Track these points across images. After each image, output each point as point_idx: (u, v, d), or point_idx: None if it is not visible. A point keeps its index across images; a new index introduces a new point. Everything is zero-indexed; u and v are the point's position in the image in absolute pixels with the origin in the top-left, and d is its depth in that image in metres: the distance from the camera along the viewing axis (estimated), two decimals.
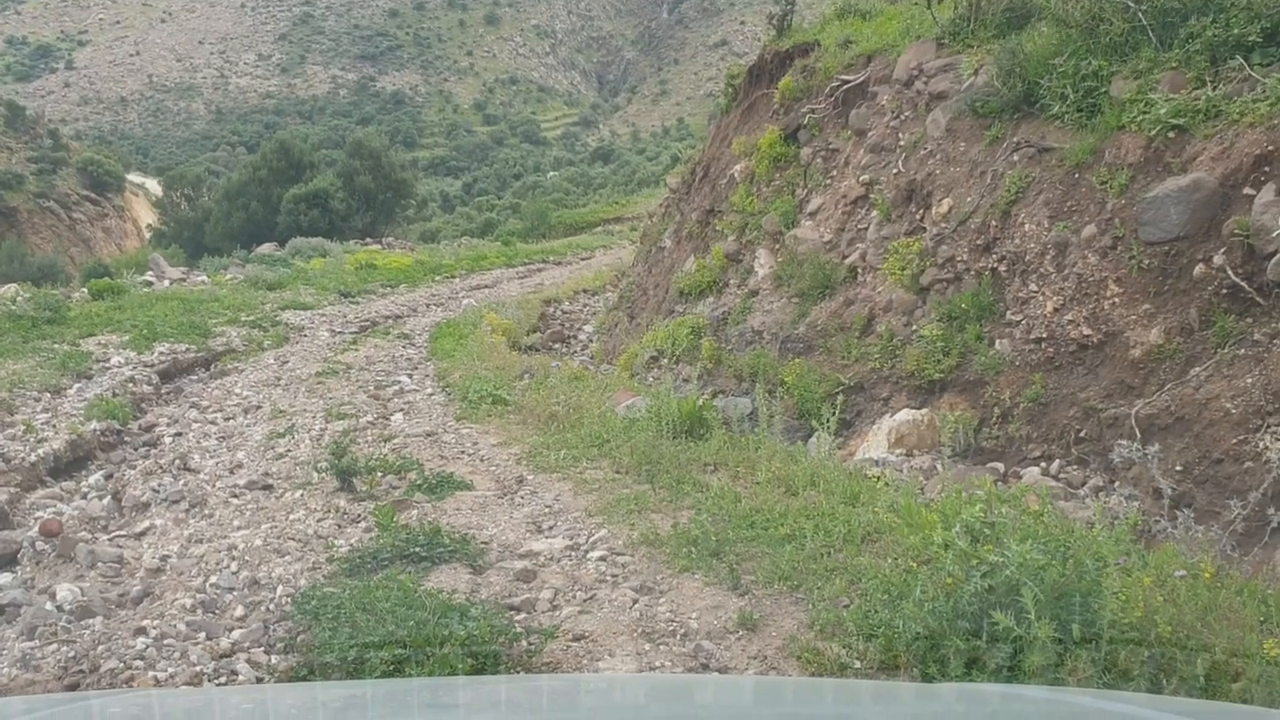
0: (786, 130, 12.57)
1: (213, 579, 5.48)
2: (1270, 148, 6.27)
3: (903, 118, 10.38)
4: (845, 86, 11.61)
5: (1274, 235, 5.99)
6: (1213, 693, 3.16)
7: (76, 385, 11.21)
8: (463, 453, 8.39)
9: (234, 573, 5.56)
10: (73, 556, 6.14)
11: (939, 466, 7.43)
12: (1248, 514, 5.15)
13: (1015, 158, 8.35)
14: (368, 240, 37.65)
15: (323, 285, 22.51)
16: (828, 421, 7.27)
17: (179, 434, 9.75)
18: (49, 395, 10.62)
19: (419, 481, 7.28)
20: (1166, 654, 3.31)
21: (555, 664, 4.18)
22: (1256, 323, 6.12)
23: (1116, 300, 7.03)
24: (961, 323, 8.39)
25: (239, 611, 5.04)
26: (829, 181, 11.51)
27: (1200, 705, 2.20)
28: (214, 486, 7.59)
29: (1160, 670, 3.27)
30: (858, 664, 3.91)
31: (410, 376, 12.76)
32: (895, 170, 10.07)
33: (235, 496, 7.27)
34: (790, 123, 12.55)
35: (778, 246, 11.80)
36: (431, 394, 11.49)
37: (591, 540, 5.77)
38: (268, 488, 7.46)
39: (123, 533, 6.75)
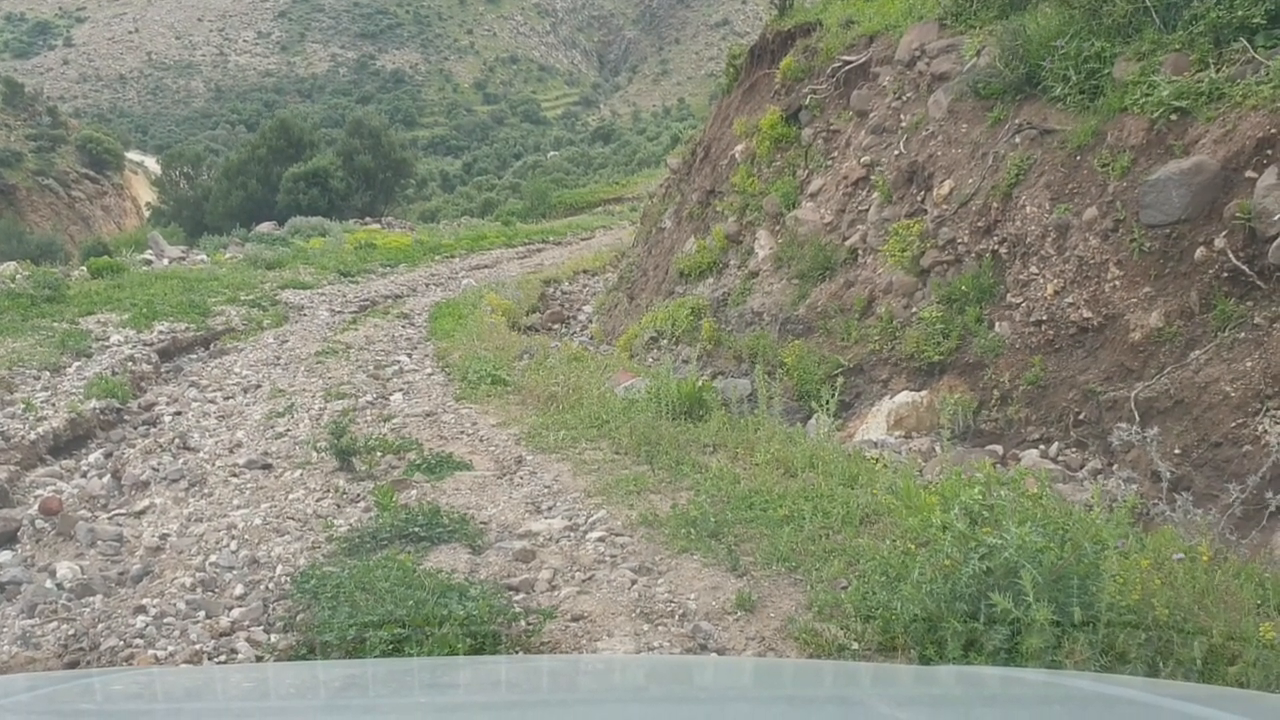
0: (788, 111, 12.52)
1: (212, 558, 5.49)
2: (1273, 131, 6.24)
3: (904, 99, 10.34)
4: (847, 67, 11.56)
5: (1275, 219, 5.97)
6: (1209, 676, 3.17)
7: (76, 364, 11.21)
8: (462, 433, 8.39)
9: (233, 552, 5.57)
10: (72, 535, 6.15)
11: (938, 448, 7.43)
12: (1246, 497, 5.15)
13: (1017, 139, 8.32)
14: (367, 219, 37.58)
15: (322, 264, 22.48)
16: (827, 403, 7.27)
17: (178, 413, 9.75)
18: (48, 373, 10.61)
19: (418, 461, 7.28)
20: (1164, 637, 3.31)
21: (554, 644, 4.19)
22: (1257, 306, 6.11)
23: (1117, 283, 7.02)
24: (961, 305, 8.38)
25: (238, 590, 5.05)
26: (830, 163, 11.47)
27: (1197, 689, 2.20)
28: (213, 465, 7.59)
29: (1158, 653, 3.28)
30: (855, 645, 3.92)
31: (409, 356, 12.75)
32: (896, 152, 10.03)
33: (235, 475, 7.28)
34: (791, 103, 12.50)
35: (778, 228, 11.77)
36: (431, 374, 11.49)
37: (590, 521, 5.78)
38: (267, 467, 7.46)
39: (122, 511, 6.76)
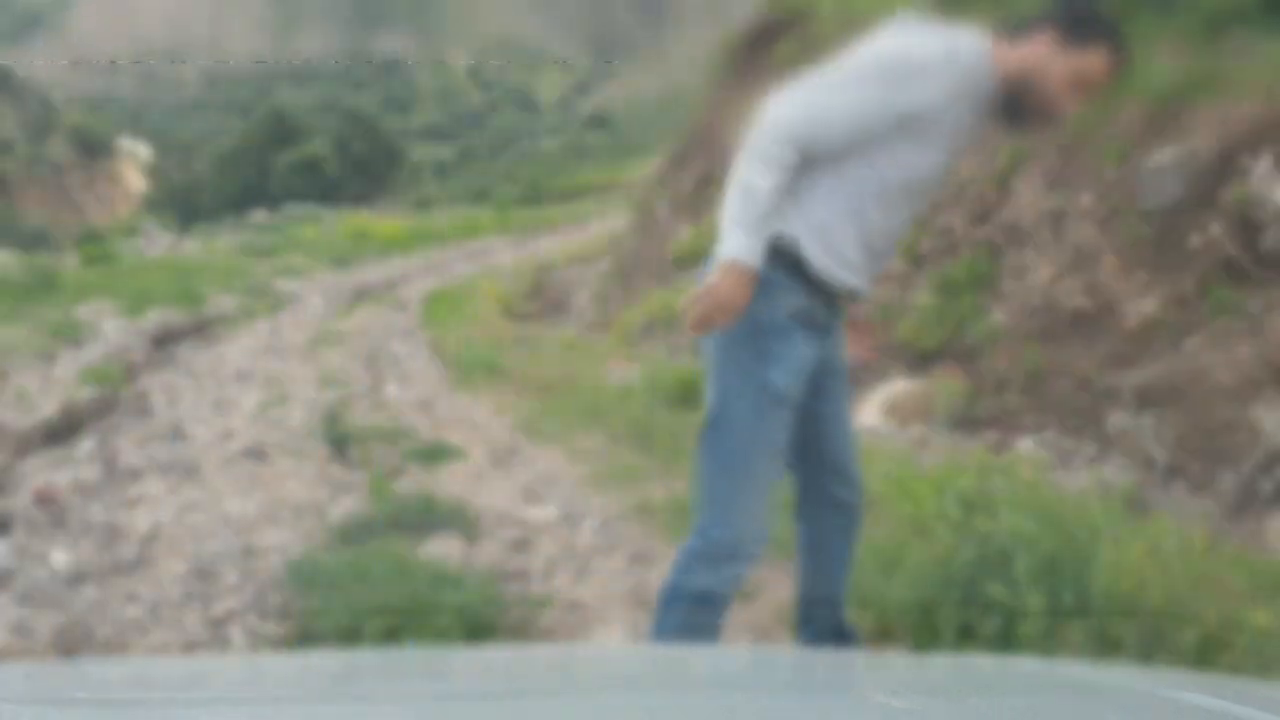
0: None
1: (206, 546, 5.48)
2: (1268, 118, 6.24)
3: None
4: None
5: (1270, 206, 5.98)
6: (1203, 663, 3.18)
7: (68, 352, 11.17)
8: (456, 421, 8.39)
9: (227, 540, 5.56)
10: (66, 523, 6.13)
11: (933, 436, 7.45)
12: (1240, 484, 5.17)
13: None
14: (361, 207, 37.51)
15: (315, 252, 22.45)
16: None
17: (172, 401, 9.74)
18: (41, 362, 10.58)
19: (412, 449, 7.27)
20: (1157, 624, 3.32)
21: (550, 632, 4.19)
22: (1252, 293, 6.12)
23: (1113, 270, 7.02)
24: (957, 292, 8.38)
25: (233, 579, 5.04)
26: None
27: (1191, 677, 2.21)
28: (207, 454, 7.58)
29: (1151, 641, 3.29)
30: None
31: (404, 344, 12.74)
32: None
33: (228, 464, 7.27)
34: None
35: None
36: (425, 362, 11.48)
37: (585, 509, 5.78)
38: (261, 455, 7.45)
39: (116, 499, 6.74)
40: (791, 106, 2.81)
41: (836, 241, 2.81)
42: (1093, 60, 2.78)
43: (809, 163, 2.75)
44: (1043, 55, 2.78)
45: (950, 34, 2.89)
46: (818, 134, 2.77)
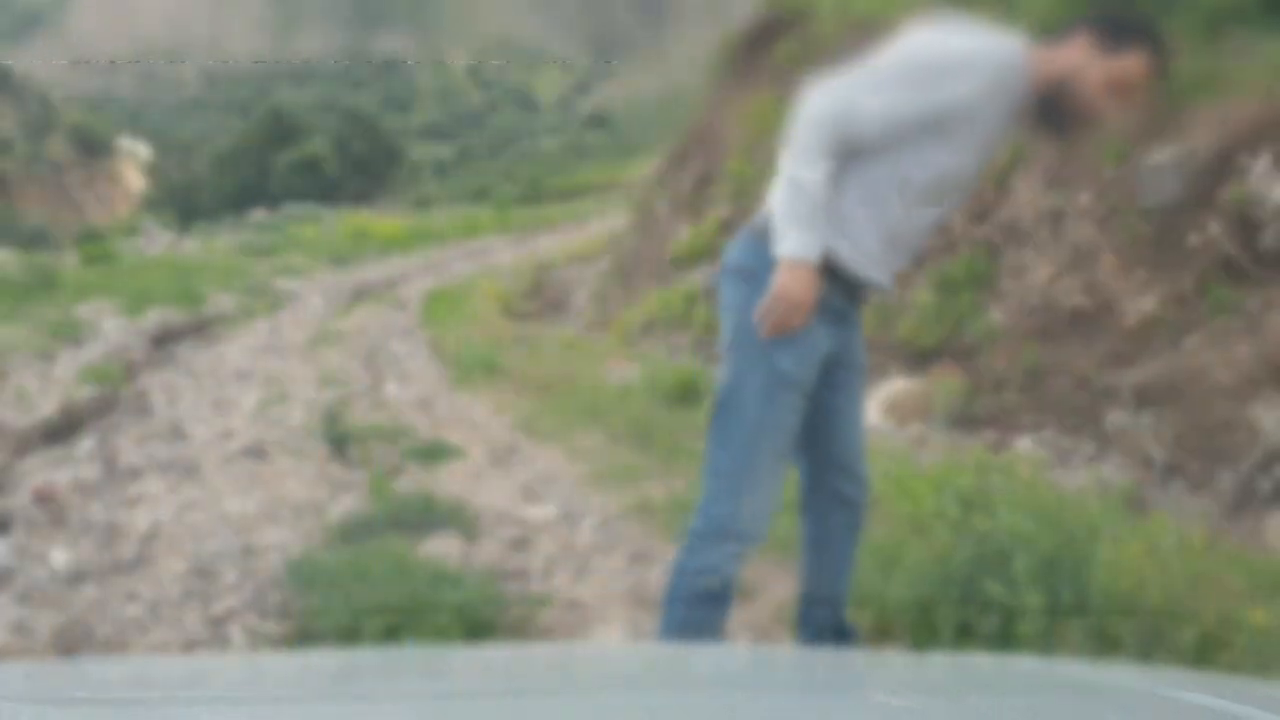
0: (783, 96, 12.47)
1: (206, 545, 5.48)
2: (1267, 117, 6.24)
3: None
4: (843, 53, 11.51)
5: (1269, 205, 5.98)
6: (1202, 662, 3.19)
7: (68, 351, 11.17)
8: (455, 420, 8.40)
9: (227, 539, 5.56)
10: (65, 522, 6.13)
11: (932, 435, 7.45)
12: (1239, 483, 5.17)
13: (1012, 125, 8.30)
14: (360, 206, 37.51)
15: (315, 251, 22.44)
16: None
17: (171, 400, 9.74)
18: (41, 361, 10.58)
19: (412, 449, 7.28)
20: (1156, 623, 3.33)
21: (549, 631, 4.20)
22: (1250, 292, 6.12)
23: (1112, 269, 7.02)
24: (956, 291, 8.38)
25: (232, 578, 5.04)
26: None
27: (1189, 676, 2.21)
28: (207, 453, 7.58)
29: (1150, 640, 3.30)
30: None
31: (403, 343, 12.74)
32: None
33: (228, 463, 7.27)
34: (787, 88, 12.45)
35: None
36: (424, 361, 11.48)
37: (584, 508, 5.78)
38: (260, 454, 7.45)
39: (116, 498, 6.74)
40: (829, 99, 2.84)
41: (857, 232, 2.82)
42: (1130, 64, 2.76)
43: (838, 155, 2.78)
44: (1079, 59, 2.76)
45: (985, 34, 2.90)
46: (853, 129, 2.80)
